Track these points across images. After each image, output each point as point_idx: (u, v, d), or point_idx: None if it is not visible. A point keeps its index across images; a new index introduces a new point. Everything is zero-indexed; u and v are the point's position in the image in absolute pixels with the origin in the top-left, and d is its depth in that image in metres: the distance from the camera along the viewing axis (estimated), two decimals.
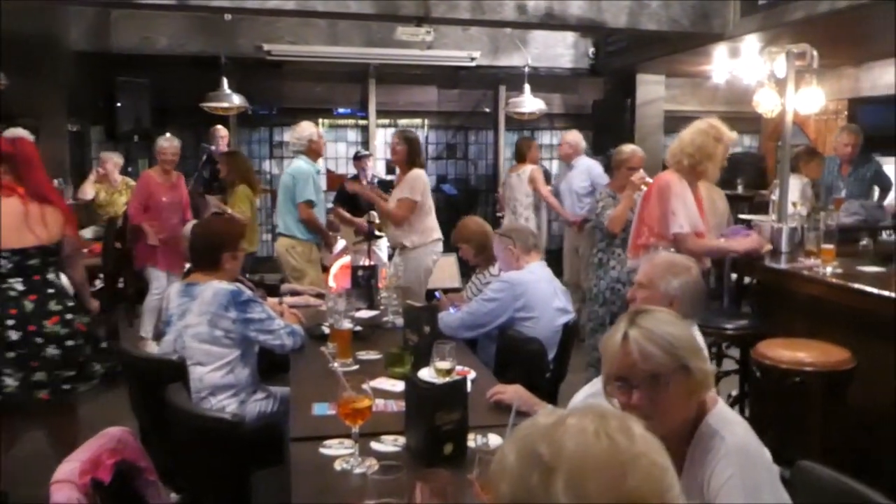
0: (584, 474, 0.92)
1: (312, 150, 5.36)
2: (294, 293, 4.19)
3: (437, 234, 5.27)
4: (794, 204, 4.70)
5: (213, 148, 7.22)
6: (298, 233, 5.28)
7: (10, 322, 3.12)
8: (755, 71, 5.95)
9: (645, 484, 0.93)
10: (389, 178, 8.91)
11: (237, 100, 7.33)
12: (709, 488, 1.57)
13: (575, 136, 6.74)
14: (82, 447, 1.89)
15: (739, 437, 1.60)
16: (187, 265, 5.67)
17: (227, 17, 6.98)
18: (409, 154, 5.23)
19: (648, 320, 1.63)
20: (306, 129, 5.39)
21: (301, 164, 5.30)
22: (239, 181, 5.97)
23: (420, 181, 5.21)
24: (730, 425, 1.62)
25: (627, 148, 5.13)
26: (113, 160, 6.89)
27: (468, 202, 9.35)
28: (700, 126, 3.76)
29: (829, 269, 3.75)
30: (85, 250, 6.10)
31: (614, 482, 0.92)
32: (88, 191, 6.91)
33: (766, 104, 4.83)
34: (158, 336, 5.47)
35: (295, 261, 5.28)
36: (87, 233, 6.65)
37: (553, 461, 0.93)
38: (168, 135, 5.97)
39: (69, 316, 3.27)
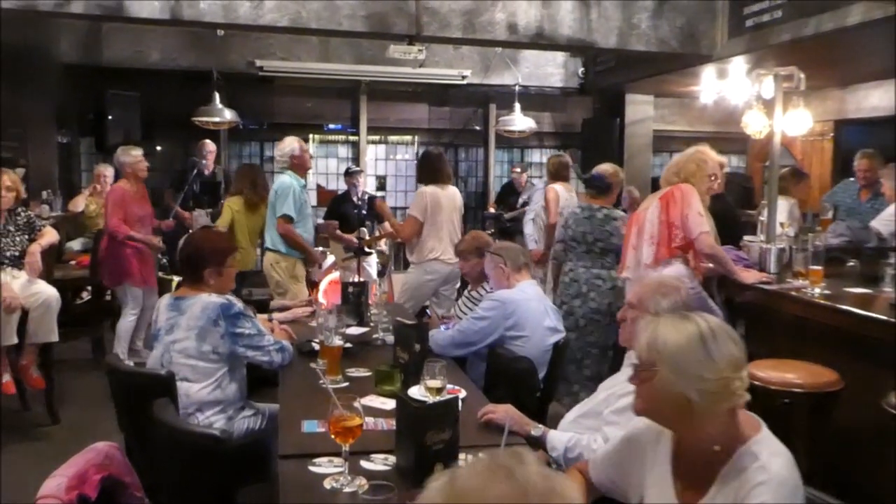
0: None
1: (296, 165, 5.31)
2: (283, 308, 4.17)
3: (436, 253, 5.23)
4: (781, 224, 4.74)
5: (203, 162, 7.21)
6: (283, 248, 5.25)
7: None
8: (743, 92, 6.03)
9: None
10: (380, 194, 8.95)
11: (228, 114, 7.35)
12: None
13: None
14: (69, 462, 1.86)
15: (782, 469, 1.59)
16: (173, 277, 5.68)
17: (220, 32, 7.00)
18: (418, 173, 5.46)
19: (666, 317, 1.72)
20: (288, 144, 5.35)
21: (284, 178, 5.26)
22: (237, 192, 5.92)
23: (417, 199, 5.26)
24: (774, 456, 1.61)
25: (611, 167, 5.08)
26: (108, 173, 6.86)
27: None
28: (688, 151, 4.06)
29: (817, 290, 3.77)
30: (73, 262, 6.08)
31: None
32: (79, 203, 6.88)
33: (754, 125, 4.90)
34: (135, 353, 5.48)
35: (278, 276, 5.26)
36: (76, 244, 6.62)
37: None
38: (129, 148, 5.73)
39: None
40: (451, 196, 5.37)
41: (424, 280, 5.27)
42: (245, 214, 5.87)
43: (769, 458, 1.59)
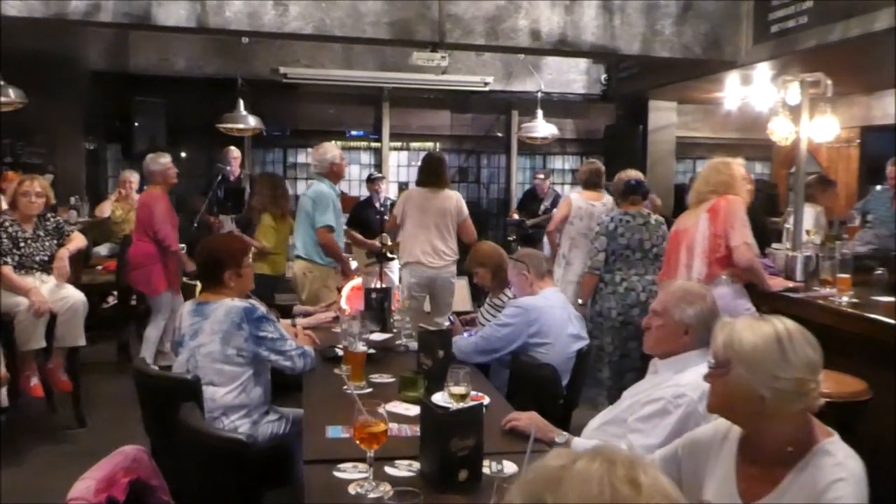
0: None
1: (334, 173, 5.24)
2: (306, 314, 4.19)
3: (415, 256, 5.36)
4: (807, 232, 4.69)
5: (228, 168, 7.27)
6: (317, 257, 5.16)
7: None
8: (767, 98, 5.98)
9: None
10: None
11: (252, 121, 7.42)
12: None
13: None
14: (97, 465, 1.89)
15: (859, 469, 1.64)
16: (196, 283, 5.72)
17: (245, 40, 7.07)
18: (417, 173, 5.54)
19: (744, 319, 1.78)
20: (329, 150, 5.26)
21: (323, 187, 5.16)
22: (262, 210, 5.94)
23: (399, 198, 5.43)
24: (850, 458, 1.66)
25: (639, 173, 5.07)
26: (133, 179, 6.94)
27: (480, 226, 9.36)
28: (713, 166, 4.08)
29: (844, 299, 3.74)
30: (99, 267, 6.16)
31: None
32: (106, 208, 6.97)
33: (780, 132, 4.84)
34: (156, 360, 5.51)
35: (312, 284, 5.16)
36: (103, 249, 6.71)
37: None
38: (158, 155, 5.71)
39: None
40: (441, 200, 5.37)
41: (409, 282, 5.33)
42: (274, 223, 5.92)
43: (845, 458, 1.65)
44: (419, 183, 5.45)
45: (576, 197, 5.80)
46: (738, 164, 4.01)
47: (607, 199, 5.62)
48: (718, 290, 3.62)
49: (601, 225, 4.78)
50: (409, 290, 5.24)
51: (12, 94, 5.82)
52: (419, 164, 5.55)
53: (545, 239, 6.54)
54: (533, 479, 0.99)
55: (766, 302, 4.14)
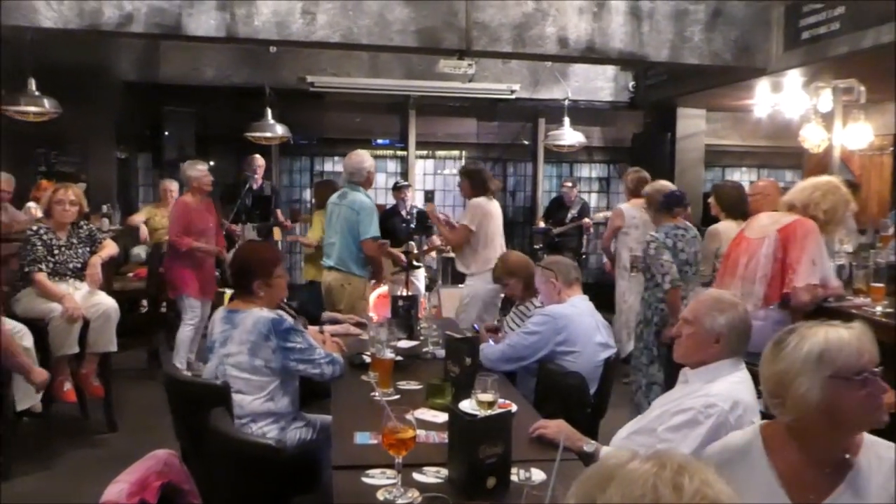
0: None
1: (368, 182, 5.19)
2: (334, 321, 4.21)
3: (492, 263, 5.05)
4: (840, 241, 4.62)
5: (254, 176, 7.33)
6: (355, 269, 5.06)
7: None
8: (798, 105, 5.91)
9: None
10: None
11: (280, 130, 7.48)
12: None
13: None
14: (130, 468, 1.91)
15: None
16: (225, 290, 5.78)
17: (272, 49, 7.14)
18: (472, 186, 5.34)
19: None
20: (366, 159, 5.18)
21: (362, 197, 5.07)
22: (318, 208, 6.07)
23: (476, 209, 5.26)
24: (889, 449, 1.73)
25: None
26: (173, 187, 7.04)
27: (505, 235, 9.32)
28: (828, 184, 3.88)
29: (879, 308, 3.67)
30: (130, 274, 6.24)
31: None
32: (137, 218, 7.05)
33: (812, 139, 4.79)
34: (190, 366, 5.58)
35: (350, 297, 5.04)
36: (141, 251, 6.84)
37: None
38: (195, 162, 5.83)
39: None
40: (497, 208, 5.41)
41: (489, 288, 5.17)
42: None
43: (887, 450, 1.71)
44: (478, 193, 5.32)
45: (627, 207, 5.75)
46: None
47: None
48: (768, 314, 3.57)
49: (655, 241, 4.42)
50: (485, 303, 5.19)
51: (47, 104, 5.93)
52: (466, 176, 5.41)
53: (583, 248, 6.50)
54: (588, 478, 0.99)
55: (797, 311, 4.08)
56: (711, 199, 5.09)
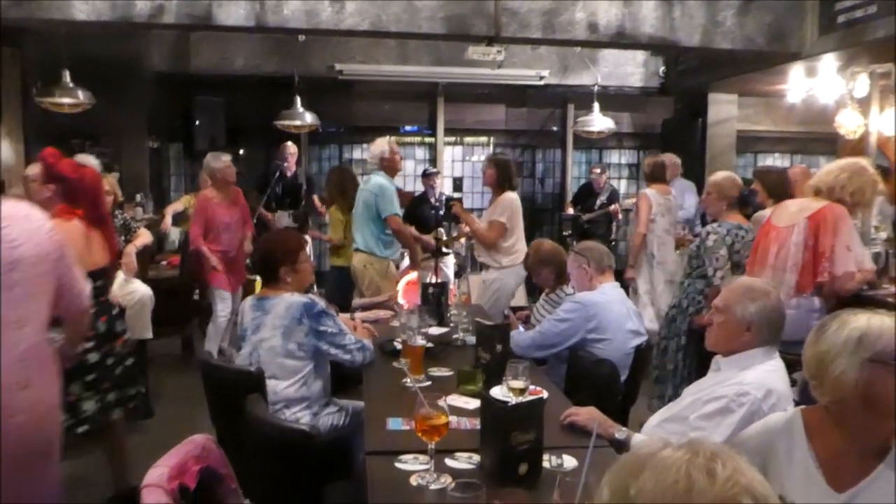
0: None
1: (386, 167, 5.31)
2: (365, 308, 4.24)
3: (522, 255, 5.11)
4: (875, 227, 4.55)
5: (285, 164, 7.38)
6: (377, 249, 5.26)
7: (89, 345, 3.16)
8: (833, 90, 5.80)
9: None
10: (457, 195, 8.99)
11: (309, 118, 7.53)
12: None
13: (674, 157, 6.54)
14: (170, 453, 1.95)
15: None
16: (256, 277, 5.86)
17: (301, 38, 7.17)
18: (498, 177, 5.31)
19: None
20: (379, 145, 5.36)
21: (381, 180, 5.26)
22: (331, 202, 6.18)
23: (507, 204, 5.27)
24: None
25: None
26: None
27: (534, 221, 9.33)
28: (856, 165, 3.79)
29: None
30: (164, 262, 6.33)
31: None
32: (171, 209, 7.12)
33: (848, 125, 4.70)
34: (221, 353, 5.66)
35: (371, 277, 5.26)
36: (176, 234, 7.00)
37: (634, 500, 0.95)
38: (218, 154, 5.83)
39: (127, 335, 3.36)
40: (519, 200, 5.44)
41: (515, 282, 5.31)
42: (342, 215, 6.19)
43: None
44: (508, 187, 5.35)
45: (652, 193, 5.66)
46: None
47: (674, 191, 5.54)
48: (800, 302, 3.54)
49: (717, 234, 4.26)
50: (509, 296, 5.28)
51: (81, 95, 6.03)
52: (496, 168, 5.34)
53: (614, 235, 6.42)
54: (621, 467, 1.00)
55: (831, 299, 4.03)
56: (756, 186, 4.98)
